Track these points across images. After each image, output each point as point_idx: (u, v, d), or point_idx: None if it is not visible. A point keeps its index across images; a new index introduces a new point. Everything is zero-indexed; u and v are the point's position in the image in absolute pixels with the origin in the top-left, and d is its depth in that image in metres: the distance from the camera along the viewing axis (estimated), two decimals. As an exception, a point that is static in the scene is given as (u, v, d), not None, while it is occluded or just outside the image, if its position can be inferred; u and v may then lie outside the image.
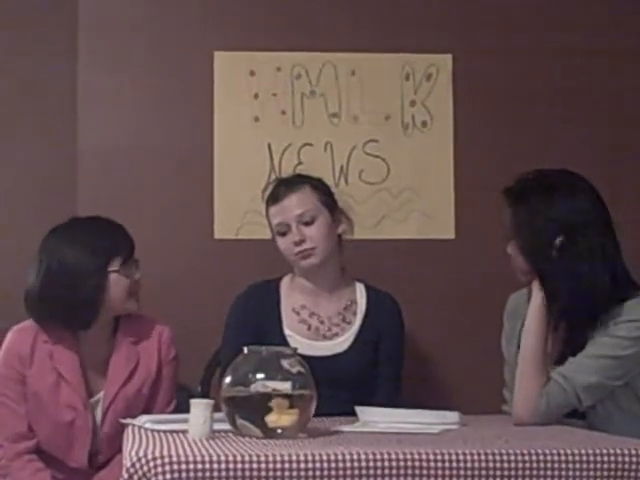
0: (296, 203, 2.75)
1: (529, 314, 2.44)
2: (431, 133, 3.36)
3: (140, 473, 1.72)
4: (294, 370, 2.03)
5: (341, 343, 2.77)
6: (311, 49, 3.32)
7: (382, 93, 3.35)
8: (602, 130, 3.39)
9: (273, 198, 2.80)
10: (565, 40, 3.40)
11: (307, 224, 2.74)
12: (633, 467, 1.85)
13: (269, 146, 3.31)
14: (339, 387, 2.61)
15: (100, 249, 2.58)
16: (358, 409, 2.32)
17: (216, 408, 2.02)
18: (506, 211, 2.50)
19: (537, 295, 2.44)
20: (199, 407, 1.98)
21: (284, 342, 2.71)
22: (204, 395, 2.87)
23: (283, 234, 2.77)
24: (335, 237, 2.80)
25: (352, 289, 2.85)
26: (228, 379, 2.05)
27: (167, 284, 3.21)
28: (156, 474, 1.71)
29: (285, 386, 1.99)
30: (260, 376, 2.01)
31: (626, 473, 1.84)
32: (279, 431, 1.99)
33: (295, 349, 2.13)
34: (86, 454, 2.60)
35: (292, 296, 2.82)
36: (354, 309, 2.81)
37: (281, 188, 2.80)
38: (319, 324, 2.78)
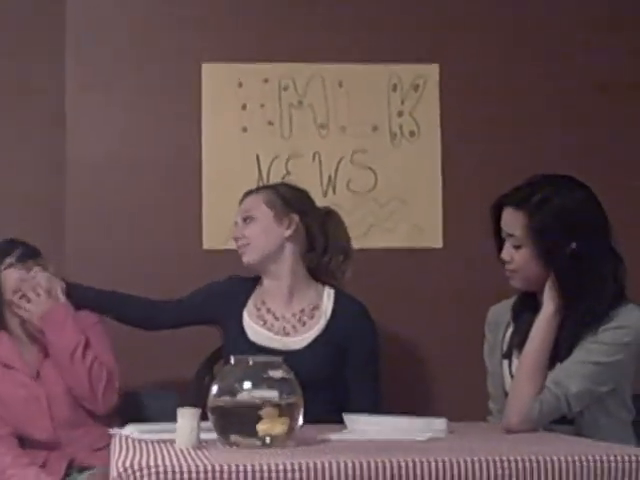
0: (246, 204, 2.90)
1: (538, 322, 2.42)
2: (419, 143, 3.38)
3: (127, 483, 1.72)
4: (279, 377, 2.03)
5: (298, 341, 2.82)
6: (298, 60, 3.34)
7: (369, 104, 3.36)
8: (595, 138, 3.41)
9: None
10: (554, 47, 3.42)
11: (246, 223, 2.88)
12: (620, 474, 1.85)
13: (257, 157, 3.32)
14: None
15: None
16: (346, 417, 2.32)
17: (204, 417, 2.02)
18: (514, 216, 2.45)
19: (549, 304, 2.41)
20: (186, 416, 1.98)
21: (240, 326, 2.85)
22: (196, 403, 2.86)
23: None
24: (277, 239, 2.86)
25: (318, 294, 2.88)
26: (215, 389, 2.05)
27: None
28: (143, 484, 1.71)
29: (272, 394, 1.99)
30: (247, 385, 2.01)
31: (614, 479, 1.85)
32: (267, 440, 1.99)
33: (281, 358, 2.13)
34: (49, 422, 2.79)
35: (259, 292, 2.91)
36: (314, 314, 2.85)
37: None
38: (274, 321, 2.85)
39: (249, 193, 2.94)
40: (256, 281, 2.93)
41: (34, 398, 2.80)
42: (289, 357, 2.70)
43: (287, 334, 2.83)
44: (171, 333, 3.05)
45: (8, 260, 2.85)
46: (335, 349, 2.81)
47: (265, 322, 2.86)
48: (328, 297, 2.88)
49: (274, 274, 2.87)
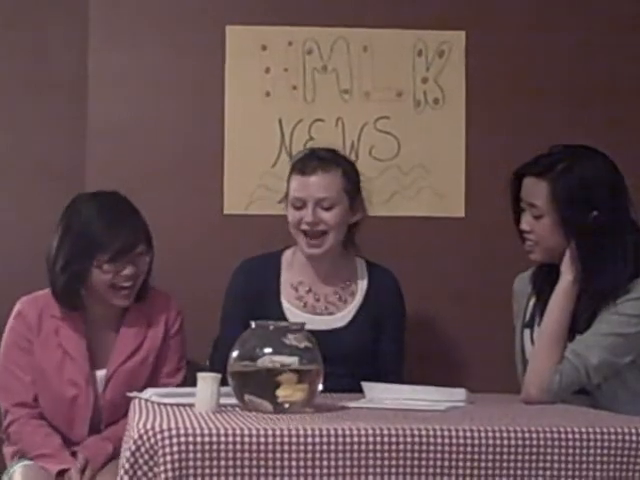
0: (321, 186, 2.71)
1: (556, 293, 2.42)
2: (443, 110, 3.35)
3: (147, 445, 1.73)
4: (301, 345, 2.03)
5: (341, 318, 2.77)
6: (323, 24, 3.31)
7: (394, 69, 3.33)
8: (619, 110, 3.36)
9: (301, 168, 2.75)
10: (582, 15, 3.37)
11: (324, 209, 2.72)
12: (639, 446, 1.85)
13: (280, 121, 3.30)
14: (336, 363, 2.59)
15: (92, 241, 2.57)
16: (364, 385, 2.32)
17: (223, 382, 2.03)
18: (536, 186, 2.45)
19: (567, 274, 2.42)
20: (206, 381, 1.99)
21: (282, 314, 2.73)
22: (212, 370, 2.87)
23: (298, 208, 2.74)
24: (347, 225, 2.78)
25: (353, 268, 2.84)
26: (235, 353, 2.05)
27: (176, 259, 3.21)
28: (163, 446, 1.72)
29: (292, 361, 2.00)
30: (267, 351, 2.01)
31: (633, 452, 1.84)
32: (286, 406, 1.99)
33: (303, 324, 2.13)
34: (86, 429, 2.63)
35: (291, 271, 2.82)
36: (352, 289, 2.82)
37: (313, 162, 2.74)
38: (315, 302, 2.79)
39: (320, 169, 2.71)
40: (275, 257, 2.84)
41: (81, 403, 2.61)
42: (334, 335, 2.71)
43: (330, 313, 2.77)
44: (190, 302, 3.06)
45: (102, 257, 2.56)
46: (374, 322, 2.78)
47: (306, 304, 2.78)
48: (361, 270, 2.84)
49: (324, 258, 2.77)
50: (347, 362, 2.68)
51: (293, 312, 2.76)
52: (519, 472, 1.81)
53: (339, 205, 2.72)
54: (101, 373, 2.65)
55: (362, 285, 2.82)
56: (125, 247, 2.57)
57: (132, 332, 2.67)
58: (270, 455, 1.74)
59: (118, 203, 2.65)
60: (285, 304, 2.77)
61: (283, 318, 2.72)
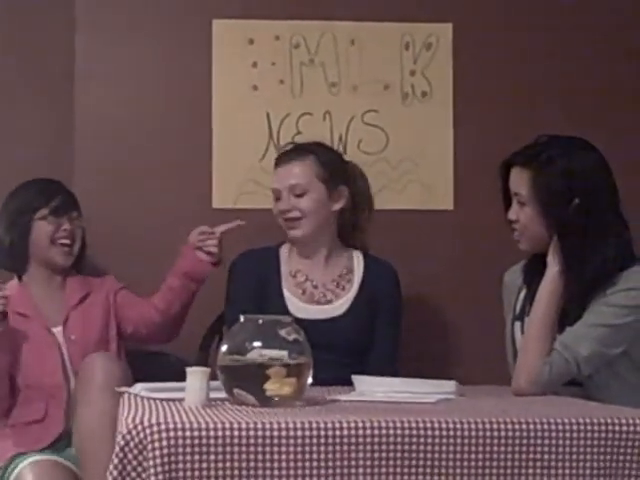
0: (292, 173, 2.79)
1: (543, 284, 2.42)
2: (431, 103, 3.35)
3: (136, 440, 1.72)
4: (291, 338, 2.03)
5: (339, 307, 2.79)
6: (310, 18, 3.31)
7: (381, 62, 3.33)
8: (604, 100, 3.37)
9: (277, 161, 2.87)
10: (570, 8, 3.37)
11: (298, 196, 2.78)
12: (630, 437, 1.85)
13: (268, 115, 3.29)
14: (334, 351, 2.65)
15: (33, 198, 2.92)
16: (355, 378, 2.32)
17: (213, 376, 2.02)
18: (520, 175, 2.45)
19: (552, 267, 2.42)
20: (195, 375, 1.98)
21: (283, 304, 2.76)
22: (202, 362, 2.87)
23: (277, 199, 2.83)
24: (328, 213, 2.81)
25: (349, 258, 2.87)
26: (224, 347, 2.05)
27: (165, 253, 3.20)
28: (152, 441, 1.71)
29: (282, 354, 1.99)
30: (256, 344, 2.00)
31: (623, 442, 1.84)
32: (276, 399, 1.98)
33: (292, 317, 2.12)
34: (59, 366, 2.82)
35: (290, 260, 2.85)
36: (350, 277, 2.84)
37: (288, 154, 2.85)
38: (313, 289, 2.81)
39: (293, 158, 2.80)
40: (274, 250, 2.87)
41: (47, 342, 2.84)
42: (332, 323, 2.72)
43: (329, 301, 2.80)
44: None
45: (39, 214, 2.89)
46: (368, 310, 2.80)
47: (304, 291, 2.80)
48: (358, 260, 2.86)
49: (314, 245, 2.81)
50: (347, 350, 2.74)
51: (293, 302, 2.78)
52: (509, 464, 1.80)
53: (312, 192, 2.78)
54: (56, 329, 2.87)
55: (359, 272, 2.84)
56: (63, 204, 2.91)
57: (76, 288, 2.96)
58: (260, 449, 1.74)
59: (48, 178, 3.01)
60: (286, 294, 2.79)
61: (284, 308, 2.75)
